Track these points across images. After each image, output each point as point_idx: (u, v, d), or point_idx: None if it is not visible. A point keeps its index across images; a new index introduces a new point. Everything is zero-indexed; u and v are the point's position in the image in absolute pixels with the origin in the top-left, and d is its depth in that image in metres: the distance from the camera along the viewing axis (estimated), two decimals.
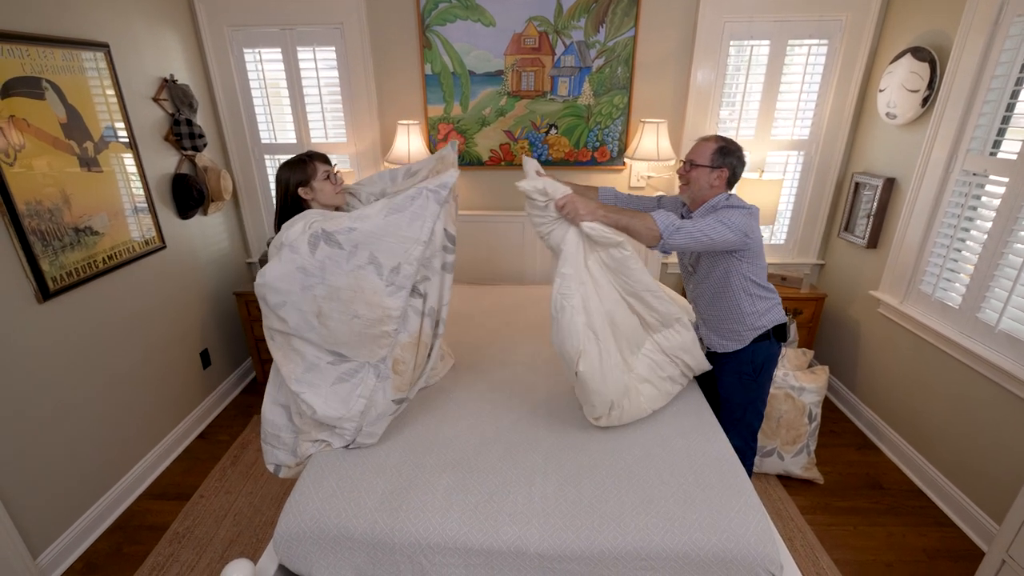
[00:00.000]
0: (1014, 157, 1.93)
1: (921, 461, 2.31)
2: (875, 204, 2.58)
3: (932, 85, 2.25)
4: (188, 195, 2.55)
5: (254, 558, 1.92)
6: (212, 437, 2.67)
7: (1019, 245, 1.92)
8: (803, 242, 3.07)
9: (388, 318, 1.52)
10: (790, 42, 2.69)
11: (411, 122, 2.75)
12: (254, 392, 3.07)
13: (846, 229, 2.84)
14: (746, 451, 1.94)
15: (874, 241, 2.63)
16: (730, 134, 2.89)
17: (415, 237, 1.48)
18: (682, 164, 1.80)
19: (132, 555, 1.97)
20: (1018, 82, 1.96)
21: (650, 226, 1.59)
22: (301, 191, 1.66)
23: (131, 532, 2.08)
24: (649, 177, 2.95)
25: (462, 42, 2.72)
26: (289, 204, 1.67)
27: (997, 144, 2.06)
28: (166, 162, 2.50)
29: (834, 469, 2.40)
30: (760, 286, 1.75)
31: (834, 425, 2.73)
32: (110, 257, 2.14)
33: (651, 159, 2.68)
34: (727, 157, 1.71)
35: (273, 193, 3.11)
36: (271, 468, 1.67)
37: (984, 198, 2.10)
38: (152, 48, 2.42)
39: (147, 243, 2.36)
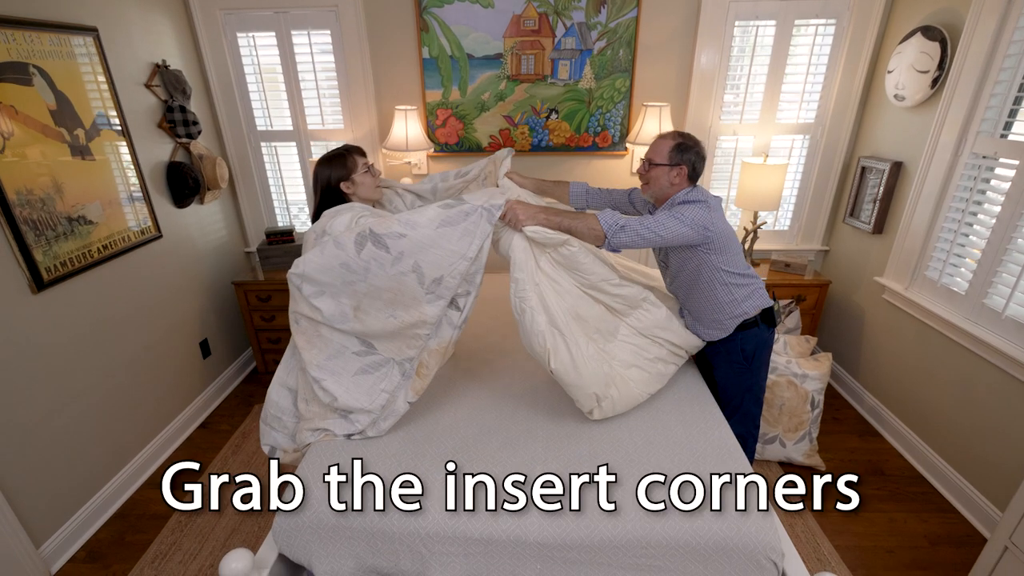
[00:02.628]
0: None
1: (923, 447, 2.30)
2: (881, 189, 2.54)
3: (942, 66, 2.19)
4: (183, 184, 2.52)
5: (255, 547, 1.92)
6: (213, 427, 2.67)
7: None
8: (807, 228, 3.03)
9: (423, 323, 1.53)
10: (796, 22, 2.62)
11: (409, 107, 2.70)
12: (255, 382, 3.07)
13: (851, 214, 2.80)
14: (748, 438, 1.93)
15: (880, 226, 2.59)
16: (734, 118, 2.83)
17: (462, 253, 1.48)
18: (641, 163, 1.77)
19: (135, 544, 1.98)
20: None
21: (593, 226, 1.58)
22: (343, 186, 1.68)
23: (133, 521, 2.09)
24: None
25: (460, 24, 2.66)
26: (329, 199, 1.68)
27: (1008, 126, 2.01)
28: (160, 150, 2.47)
29: (836, 456, 2.39)
30: (734, 274, 1.72)
31: (836, 412, 2.72)
32: (105, 247, 2.11)
33: None
34: (685, 153, 1.67)
35: (271, 181, 3.09)
36: (266, 450, 1.67)
37: (994, 181, 2.05)
38: (143, 32, 2.37)
39: (143, 232, 2.34)
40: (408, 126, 2.67)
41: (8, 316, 1.73)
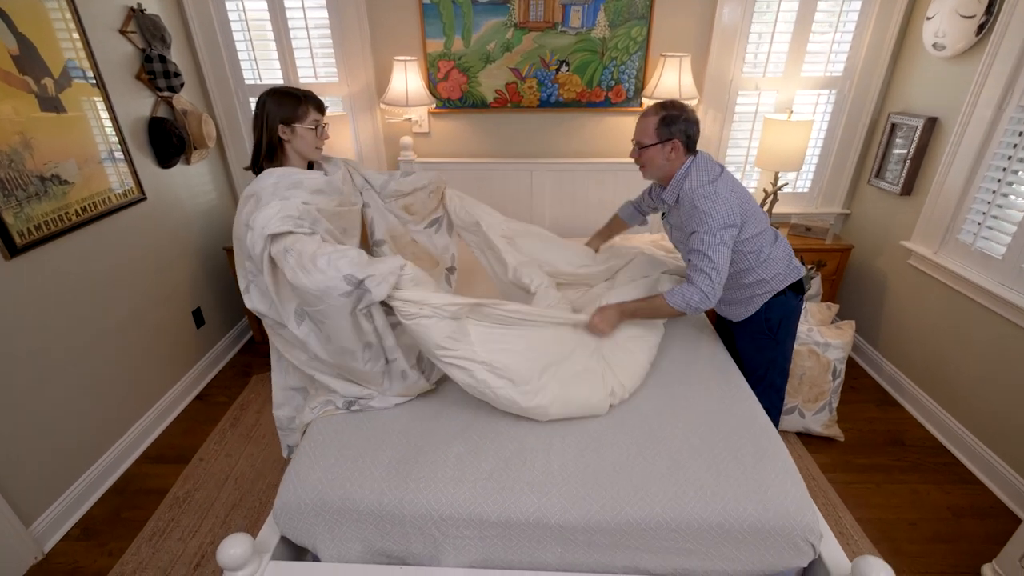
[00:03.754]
0: None
1: (945, 417, 2.23)
2: (913, 147, 2.38)
3: (991, 9, 2.00)
4: (167, 141, 2.34)
5: (257, 523, 1.85)
6: (210, 399, 2.58)
7: None
8: (829, 190, 2.87)
9: (377, 375, 1.49)
10: None
11: (408, 58, 2.50)
12: (251, 352, 2.97)
13: (877, 175, 2.65)
14: (770, 410, 1.85)
15: (909, 187, 2.45)
16: (757, 71, 2.64)
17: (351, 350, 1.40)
18: (632, 148, 1.66)
19: (131, 520, 1.90)
20: None
21: (666, 308, 1.58)
22: (281, 130, 1.49)
23: (130, 496, 2.01)
24: None
25: None
26: (266, 141, 1.49)
27: None
28: (140, 104, 2.27)
29: (854, 426, 2.32)
30: (761, 253, 1.63)
31: (853, 381, 2.64)
32: (84, 209, 1.96)
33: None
34: (673, 125, 1.55)
35: None
36: (285, 452, 1.69)
37: None
38: None
39: (125, 194, 2.18)
40: (408, 79, 2.48)
41: None
